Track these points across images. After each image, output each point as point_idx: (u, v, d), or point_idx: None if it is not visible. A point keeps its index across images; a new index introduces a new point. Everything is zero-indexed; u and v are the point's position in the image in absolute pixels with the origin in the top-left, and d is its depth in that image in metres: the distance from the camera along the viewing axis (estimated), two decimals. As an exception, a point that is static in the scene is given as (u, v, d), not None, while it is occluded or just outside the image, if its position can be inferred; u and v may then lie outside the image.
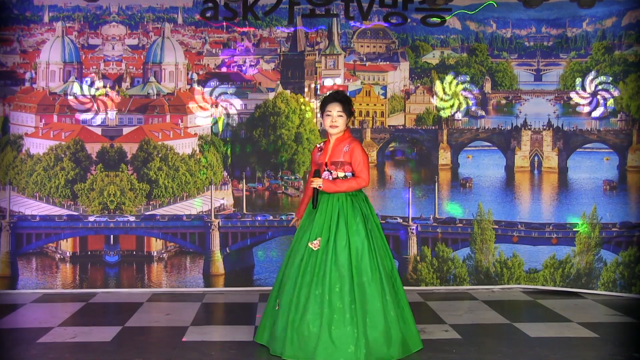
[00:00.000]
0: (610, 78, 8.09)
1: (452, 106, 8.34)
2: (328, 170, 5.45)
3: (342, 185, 5.39)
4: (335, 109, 5.46)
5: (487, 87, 8.50)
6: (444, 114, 8.34)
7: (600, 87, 8.13)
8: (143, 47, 8.32)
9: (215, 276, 8.07)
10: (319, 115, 8.27)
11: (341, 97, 5.51)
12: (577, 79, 8.21)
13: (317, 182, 5.39)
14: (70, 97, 8.06)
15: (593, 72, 8.12)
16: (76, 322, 6.54)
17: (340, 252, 5.26)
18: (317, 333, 5.12)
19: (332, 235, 5.30)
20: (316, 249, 5.31)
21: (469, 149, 8.41)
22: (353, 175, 5.45)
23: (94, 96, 8.10)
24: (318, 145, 5.61)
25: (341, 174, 5.44)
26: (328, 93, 5.75)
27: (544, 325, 6.39)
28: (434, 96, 8.35)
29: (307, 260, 5.31)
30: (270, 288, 7.74)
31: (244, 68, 8.44)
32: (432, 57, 8.46)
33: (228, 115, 8.21)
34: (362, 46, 8.55)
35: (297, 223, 5.71)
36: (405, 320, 5.39)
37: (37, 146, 8.05)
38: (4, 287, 7.84)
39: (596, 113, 8.21)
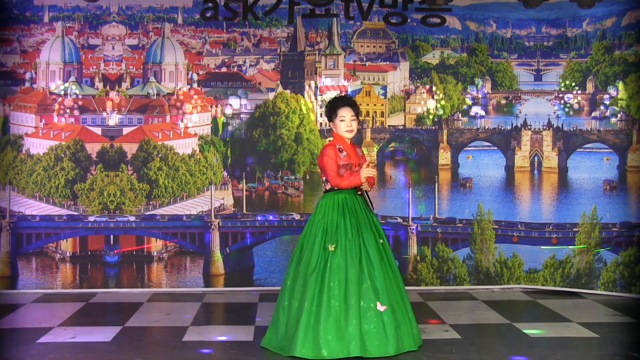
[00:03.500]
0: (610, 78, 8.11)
1: (452, 106, 8.35)
2: (356, 170, 5.63)
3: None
4: (349, 114, 5.61)
5: (487, 87, 8.50)
6: (444, 114, 8.36)
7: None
8: (143, 47, 8.32)
9: (215, 276, 8.07)
10: (319, 115, 8.31)
11: (352, 102, 5.70)
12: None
13: (366, 186, 5.61)
14: (70, 97, 8.07)
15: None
16: (76, 322, 6.54)
17: (388, 247, 5.64)
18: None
19: (378, 233, 5.60)
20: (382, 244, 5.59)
21: (469, 149, 8.42)
22: None
23: (93, 96, 8.11)
24: (338, 146, 5.61)
25: None
26: (334, 97, 5.85)
27: (544, 325, 6.39)
28: (434, 97, 8.36)
29: (385, 257, 5.52)
30: (271, 288, 7.82)
31: (244, 68, 8.44)
32: (432, 57, 8.46)
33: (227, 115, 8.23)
34: (362, 46, 8.55)
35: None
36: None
37: (37, 146, 8.05)
38: (4, 287, 7.84)
39: (596, 113, 8.23)
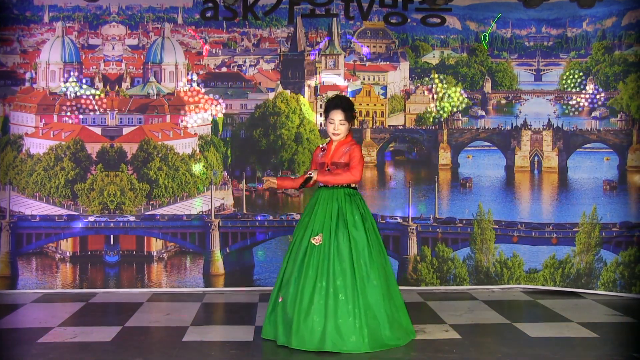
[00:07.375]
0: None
1: (452, 106, 8.35)
2: (328, 169, 5.75)
3: (334, 177, 5.69)
4: (337, 117, 5.73)
5: (487, 87, 8.50)
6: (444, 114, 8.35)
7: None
8: (143, 47, 8.32)
9: (215, 276, 8.07)
10: (319, 115, 8.31)
11: (344, 105, 5.75)
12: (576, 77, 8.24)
13: (312, 174, 5.74)
14: (69, 97, 8.08)
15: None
16: (76, 322, 6.54)
17: (342, 246, 5.53)
18: (323, 324, 5.39)
19: (333, 231, 5.57)
20: (318, 244, 5.56)
21: (469, 149, 8.41)
22: None
23: (93, 96, 8.11)
24: (321, 146, 5.89)
25: None
26: (332, 96, 6.01)
27: (544, 325, 6.39)
28: (433, 97, 8.36)
29: (310, 255, 5.55)
30: (271, 288, 7.84)
31: (244, 68, 8.44)
32: (432, 57, 8.46)
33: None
34: (362, 46, 8.55)
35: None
36: (398, 311, 5.69)
37: (37, 146, 8.05)
38: (4, 287, 7.84)
39: (596, 113, 8.23)
